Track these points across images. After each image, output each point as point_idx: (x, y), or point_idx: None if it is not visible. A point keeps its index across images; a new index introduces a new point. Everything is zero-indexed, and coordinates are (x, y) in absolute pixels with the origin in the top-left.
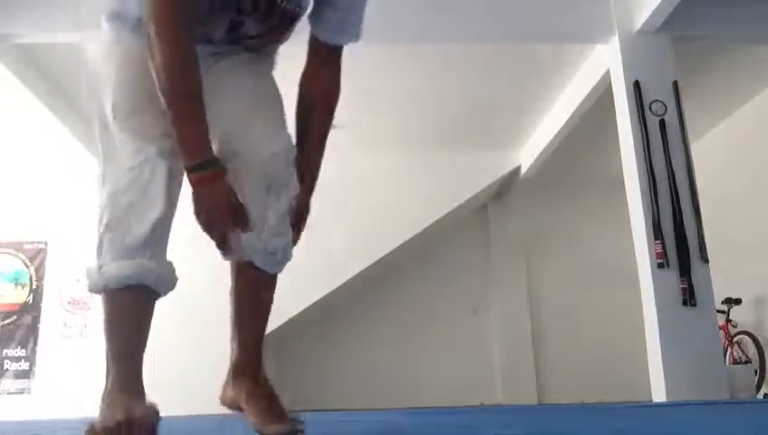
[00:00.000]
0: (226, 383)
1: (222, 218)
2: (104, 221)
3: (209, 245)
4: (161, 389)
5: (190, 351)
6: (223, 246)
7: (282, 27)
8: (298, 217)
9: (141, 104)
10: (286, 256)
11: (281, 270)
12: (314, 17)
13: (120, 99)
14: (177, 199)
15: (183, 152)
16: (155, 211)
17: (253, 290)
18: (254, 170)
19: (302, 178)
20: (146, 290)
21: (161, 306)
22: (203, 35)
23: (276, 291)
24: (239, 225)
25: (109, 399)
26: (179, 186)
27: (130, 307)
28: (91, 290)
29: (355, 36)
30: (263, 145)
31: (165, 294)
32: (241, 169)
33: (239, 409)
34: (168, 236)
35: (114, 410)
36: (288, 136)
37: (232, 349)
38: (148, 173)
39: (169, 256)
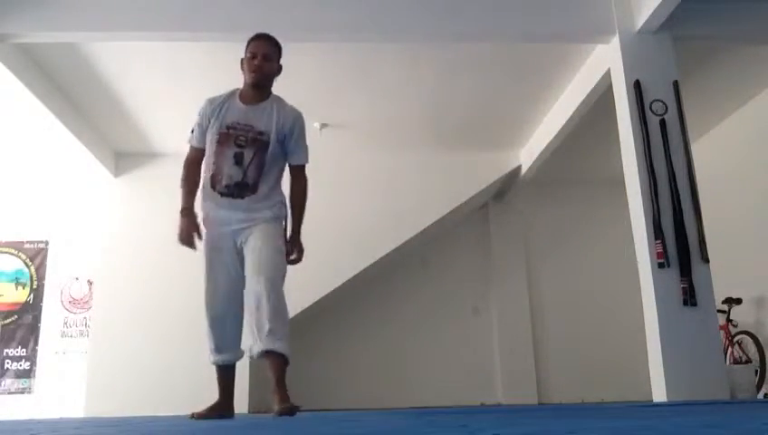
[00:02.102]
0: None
1: (183, 236)
2: None
3: None
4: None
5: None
6: (190, 246)
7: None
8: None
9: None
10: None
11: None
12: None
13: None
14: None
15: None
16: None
17: (271, 368)
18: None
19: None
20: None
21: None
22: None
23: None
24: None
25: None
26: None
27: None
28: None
29: (301, 159)
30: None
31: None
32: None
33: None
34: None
35: None
36: (266, 280)
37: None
38: None
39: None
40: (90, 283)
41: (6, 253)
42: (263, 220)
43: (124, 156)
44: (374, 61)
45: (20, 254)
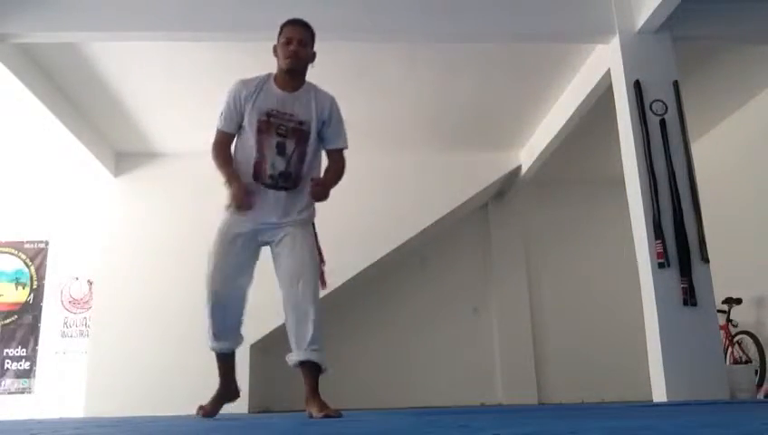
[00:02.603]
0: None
1: (238, 198)
2: None
3: None
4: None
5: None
6: (248, 208)
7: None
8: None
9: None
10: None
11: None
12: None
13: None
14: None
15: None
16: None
17: (307, 376)
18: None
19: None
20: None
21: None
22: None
23: (276, 291)
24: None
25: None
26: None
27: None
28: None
29: (343, 143)
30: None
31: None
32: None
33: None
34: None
35: None
36: (312, 293)
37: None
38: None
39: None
40: (90, 283)
41: (6, 253)
42: (299, 223)
43: (124, 156)
44: (374, 61)
45: (20, 254)
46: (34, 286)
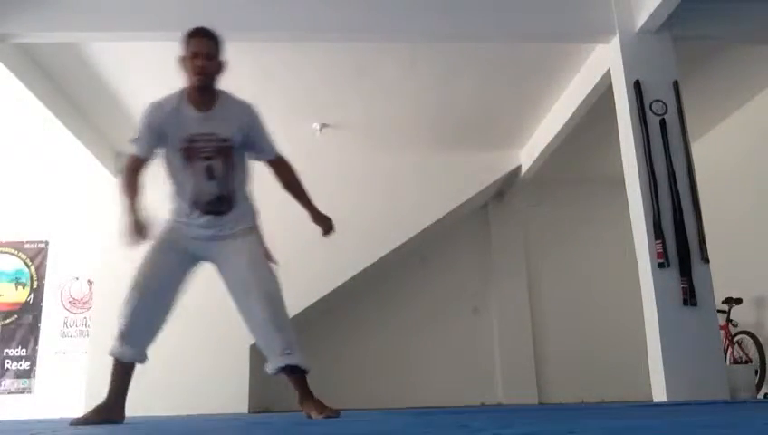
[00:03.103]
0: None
1: (131, 232)
2: None
3: None
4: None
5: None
6: (139, 242)
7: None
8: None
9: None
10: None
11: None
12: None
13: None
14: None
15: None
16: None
17: (293, 382)
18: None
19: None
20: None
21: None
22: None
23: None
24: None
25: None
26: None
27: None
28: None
29: (273, 153)
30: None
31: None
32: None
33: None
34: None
35: None
36: (262, 298)
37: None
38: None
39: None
40: (90, 283)
41: (6, 253)
42: (239, 234)
43: (124, 156)
44: (374, 61)
45: (20, 254)
46: (34, 286)
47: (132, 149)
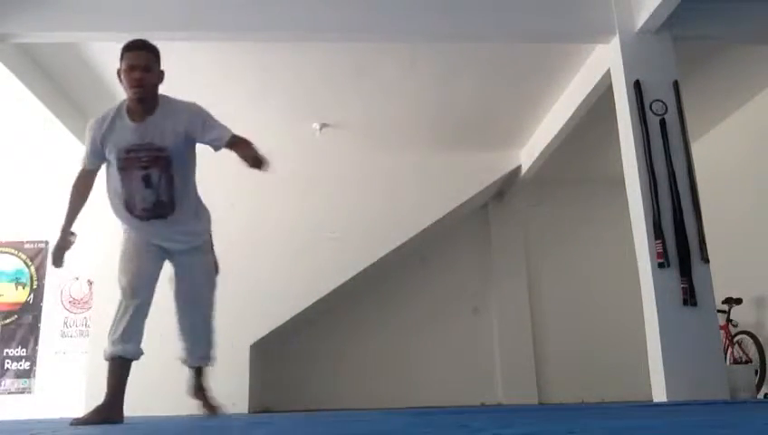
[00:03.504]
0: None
1: (54, 254)
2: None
3: None
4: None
5: None
6: (58, 265)
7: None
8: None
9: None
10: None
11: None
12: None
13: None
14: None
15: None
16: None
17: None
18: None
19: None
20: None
21: None
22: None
23: (276, 291)
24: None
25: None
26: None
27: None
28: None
29: (225, 136)
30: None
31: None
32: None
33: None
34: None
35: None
36: (201, 313)
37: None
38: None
39: None
40: (90, 283)
41: (6, 253)
42: (194, 250)
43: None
44: (374, 61)
45: (20, 254)
46: (34, 286)
47: (81, 163)
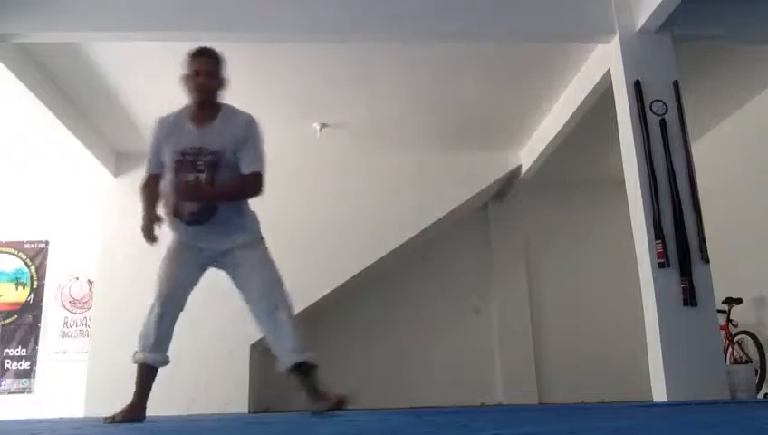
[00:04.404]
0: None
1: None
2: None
3: None
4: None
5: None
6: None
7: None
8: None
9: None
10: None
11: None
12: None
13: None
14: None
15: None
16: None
17: (304, 377)
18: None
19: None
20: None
21: None
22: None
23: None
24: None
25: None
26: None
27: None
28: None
29: (249, 167)
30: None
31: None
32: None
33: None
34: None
35: None
36: (277, 301)
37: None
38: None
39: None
40: (90, 283)
41: (6, 253)
42: (246, 246)
43: (124, 156)
44: (374, 61)
45: (20, 254)
46: (34, 286)
47: (146, 168)
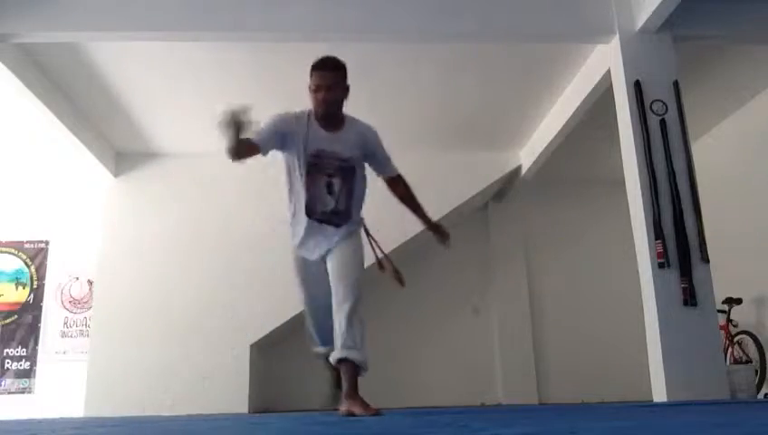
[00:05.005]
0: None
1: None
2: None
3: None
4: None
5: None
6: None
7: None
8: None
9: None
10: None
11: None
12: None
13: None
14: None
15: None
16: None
17: (344, 375)
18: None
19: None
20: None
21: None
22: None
23: (276, 291)
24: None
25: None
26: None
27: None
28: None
29: (392, 171)
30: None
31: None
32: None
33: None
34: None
35: None
36: (345, 286)
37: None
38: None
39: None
40: (90, 283)
41: (6, 253)
42: (345, 236)
43: (124, 156)
44: (374, 61)
45: (20, 254)
46: (34, 286)
47: (251, 134)
